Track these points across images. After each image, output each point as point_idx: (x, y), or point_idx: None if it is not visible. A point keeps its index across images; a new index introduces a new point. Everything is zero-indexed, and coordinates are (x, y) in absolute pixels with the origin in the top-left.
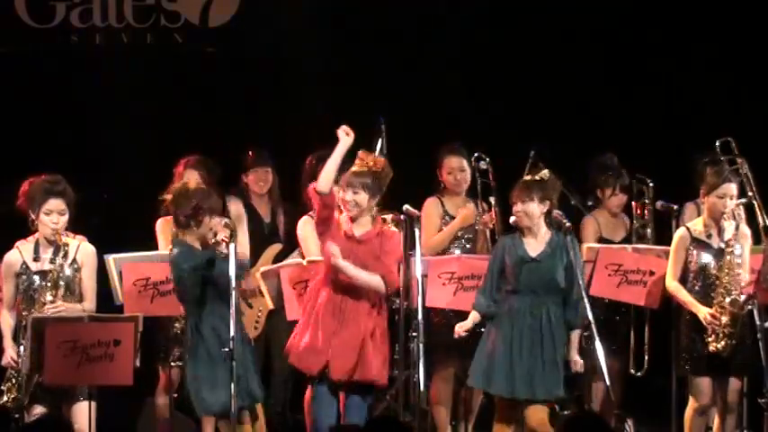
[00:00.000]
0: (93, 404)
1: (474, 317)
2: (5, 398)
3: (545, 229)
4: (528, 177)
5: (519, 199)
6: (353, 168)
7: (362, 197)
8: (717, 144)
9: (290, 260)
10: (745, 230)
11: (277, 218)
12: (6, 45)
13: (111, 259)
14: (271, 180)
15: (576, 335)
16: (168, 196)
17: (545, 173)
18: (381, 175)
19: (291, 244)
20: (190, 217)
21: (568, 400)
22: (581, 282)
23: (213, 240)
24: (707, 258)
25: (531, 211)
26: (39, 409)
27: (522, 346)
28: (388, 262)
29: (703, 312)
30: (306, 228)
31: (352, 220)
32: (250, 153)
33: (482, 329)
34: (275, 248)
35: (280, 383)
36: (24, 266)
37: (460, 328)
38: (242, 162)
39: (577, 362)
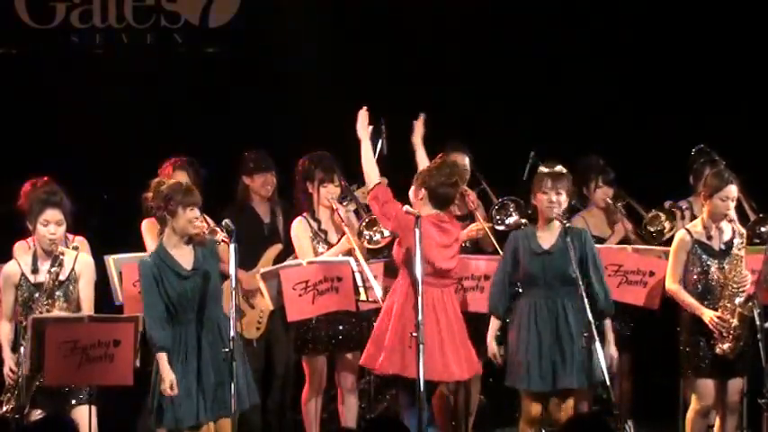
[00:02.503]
0: (94, 408)
1: (495, 324)
2: (4, 408)
3: (558, 222)
4: (555, 170)
5: (554, 190)
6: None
7: None
8: (692, 152)
9: (290, 261)
10: (741, 230)
11: (276, 218)
12: (6, 45)
13: (110, 260)
14: (275, 183)
15: (608, 324)
16: (149, 194)
17: (561, 167)
18: None
19: (291, 244)
20: (163, 209)
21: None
22: (600, 271)
23: (196, 232)
24: (708, 260)
25: (563, 202)
26: (38, 413)
27: (544, 339)
28: None
29: (709, 315)
30: (299, 228)
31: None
32: (252, 156)
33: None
34: (275, 249)
35: (280, 384)
36: (23, 278)
37: (497, 357)
38: (243, 164)
39: (613, 356)
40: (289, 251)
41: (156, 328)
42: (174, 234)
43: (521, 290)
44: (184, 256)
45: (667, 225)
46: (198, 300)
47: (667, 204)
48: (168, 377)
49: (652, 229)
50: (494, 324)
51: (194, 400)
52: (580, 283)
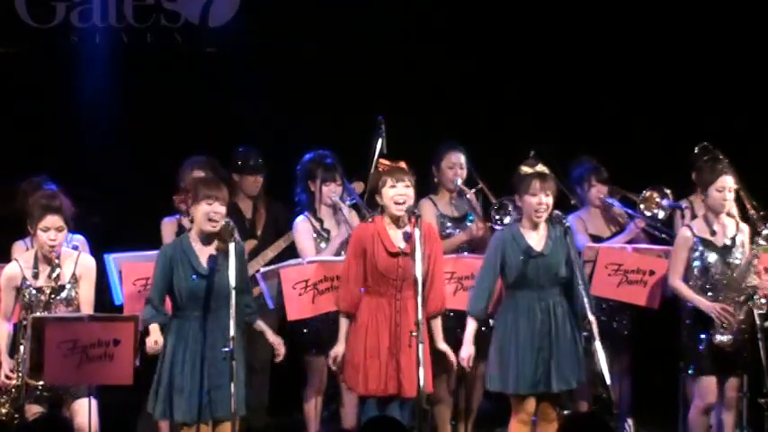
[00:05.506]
0: (95, 402)
1: (473, 327)
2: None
3: (543, 222)
4: (538, 170)
5: (543, 192)
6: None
7: (411, 191)
8: (696, 150)
9: (286, 259)
10: (743, 226)
11: (257, 213)
12: (6, 45)
13: (110, 258)
14: (262, 182)
15: (593, 322)
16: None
17: (543, 167)
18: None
19: (266, 239)
20: (182, 201)
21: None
22: (582, 274)
23: (210, 229)
24: (711, 257)
25: (551, 204)
26: (36, 409)
27: (535, 340)
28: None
29: (713, 305)
30: (301, 227)
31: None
32: (245, 155)
33: (483, 328)
34: (248, 245)
35: (260, 383)
36: (24, 281)
37: (470, 361)
38: (234, 161)
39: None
40: (265, 246)
41: (149, 306)
42: (196, 229)
43: (506, 292)
44: (205, 255)
45: (664, 203)
46: (209, 300)
47: (666, 204)
48: (154, 335)
49: (648, 214)
50: (473, 327)
51: (189, 397)
52: (579, 282)
